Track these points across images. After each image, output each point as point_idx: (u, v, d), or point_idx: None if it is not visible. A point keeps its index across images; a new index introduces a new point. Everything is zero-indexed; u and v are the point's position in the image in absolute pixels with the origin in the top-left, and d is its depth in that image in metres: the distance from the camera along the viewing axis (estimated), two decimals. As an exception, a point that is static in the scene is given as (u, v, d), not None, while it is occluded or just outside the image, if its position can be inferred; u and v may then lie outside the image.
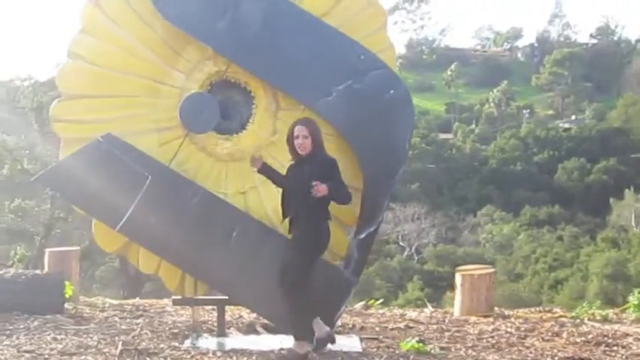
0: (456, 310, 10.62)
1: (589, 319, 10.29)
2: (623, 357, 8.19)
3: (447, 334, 9.01)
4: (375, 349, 8.09)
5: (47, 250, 10.76)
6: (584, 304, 11.03)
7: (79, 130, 8.14)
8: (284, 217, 7.78)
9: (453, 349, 8.22)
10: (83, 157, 7.96)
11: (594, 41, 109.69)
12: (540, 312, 11.04)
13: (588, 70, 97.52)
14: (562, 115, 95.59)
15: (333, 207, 8.11)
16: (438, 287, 49.13)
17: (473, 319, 9.99)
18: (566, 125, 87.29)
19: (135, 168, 7.96)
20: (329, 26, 8.09)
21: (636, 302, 10.63)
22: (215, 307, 8.67)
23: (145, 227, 8.00)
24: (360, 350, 7.98)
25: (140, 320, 9.09)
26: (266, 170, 7.87)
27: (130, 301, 10.61)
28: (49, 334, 8.05)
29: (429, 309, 11.21)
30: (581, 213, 67.39)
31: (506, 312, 10.72)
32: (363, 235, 8.14)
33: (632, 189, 62.78)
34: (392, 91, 8.17)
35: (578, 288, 47.21)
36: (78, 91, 8.18)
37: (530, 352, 8.19)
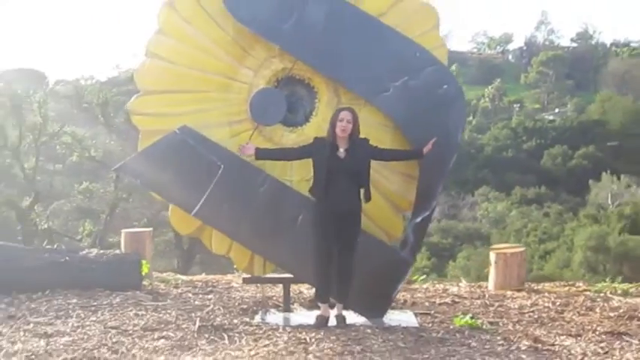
0: (490, 285, 9.96)
1: (611, 293, 9.60)
2: (657, 331, 7.55)
3: (491, 308, 8.35)
4: (430, 325, 7.45)
5: (123, 231, 10.14)
6: (606, 280, 10.33)
7: (156, 122, 7.55)
8: (319, 189, 7.11)
9: (500, 324, 7.57)
10: (161, 147, 7.39)
11: (575, 45, 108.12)
12: (565, 286, 10.36)
13: (569, 69, 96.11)
14: (547, 108, 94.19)
15: (391, 193, 7.61)
16: (442, 257, 48.88)
17: (509, 293, 9.32)
18: (551, 117, 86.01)
19: (209, 157, 7.37)
20: (387, 26, 7.45)
21: (656, 279, 9.95)
22: (281, 284, 8.05)
23: (218, 212, 7.43)
24: (417, 325, 7.35)
25: (211, 296, 8.49)
26: (264, 153, 7.29)
27: (199, 277, 9.97)
28: (130, 310, 7.46)
29: (464, 283, 10.55)
30: (564, 193, 66.45)
31: (535, 286, 10.06)
32: (418, 220, 7.50)
33: (608, 172, 61.90)
34: (445, 86, 7.52)
35: (564, 258, 46.52)
36: (155, 87, 7.59)
37: (572, 327, 7.53)
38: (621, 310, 8.28)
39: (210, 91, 7.58)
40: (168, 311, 7.50)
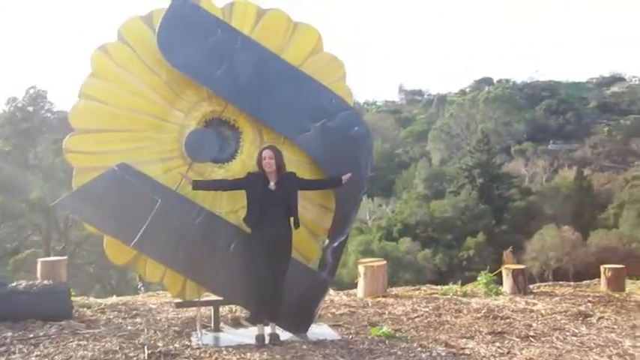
0: (360, 293, 9.02)
1: (454, 295, 8.98)
2: (520, 326, 6.95)
3: (384, 316, 7.39)
4: (350, 336, 6.35)
5: (39, 260, 8.23)
6: (450, 284, 9.69)
7: (90, 160, 5.95)
8: (253, 218, 5.92)
9: (403, 331, 6.63)
10: (100, 183, 5.83)
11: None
12: (414, 289, 9.64)
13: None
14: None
15: (308, 221, 6.47)
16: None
17: (383, 300, 8.41)
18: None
19: (146, 192, 5.90)
20: (306, 75, 6.35)
21: (484, 281, 9.43)
22: (210, 306, 6.62)
23: (155, 243, 5.94)
24: (340, 338, 6.23)
25: (138, 319, 6.84)
26: (200, 184, 6.00)
27: (116, 300, 8.10)
28: (71, 341, 5.75)
29: (332, 292, 9.46)
30: (336, 211, 67.49)
31: (393, 292, 9.24)
32: (336, 244, 6.44)
33: (365, 195, 63.76)
34: (356, 128, 6.51)
35: (342, 259, 46.87)
36: (89, 127, 5.99)
37: (461, 329, 6.76)
38: (483, 311, 7.65)
39: (143, 131, 6.09)
40: (108, 339, 5.88)
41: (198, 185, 5.97)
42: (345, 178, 6.18)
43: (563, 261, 40.80)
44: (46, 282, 6.86)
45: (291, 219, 6.02)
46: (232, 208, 6.28)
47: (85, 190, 5.84)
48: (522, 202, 52.72)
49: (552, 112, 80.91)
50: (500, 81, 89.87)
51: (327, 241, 6.49)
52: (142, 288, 9.81)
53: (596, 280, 10.90)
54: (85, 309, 7.17)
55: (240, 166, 6.34)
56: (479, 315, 7.44)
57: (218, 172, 6.29)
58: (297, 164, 6.39)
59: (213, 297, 6.49)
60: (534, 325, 7.04)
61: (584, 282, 11.05)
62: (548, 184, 57.96)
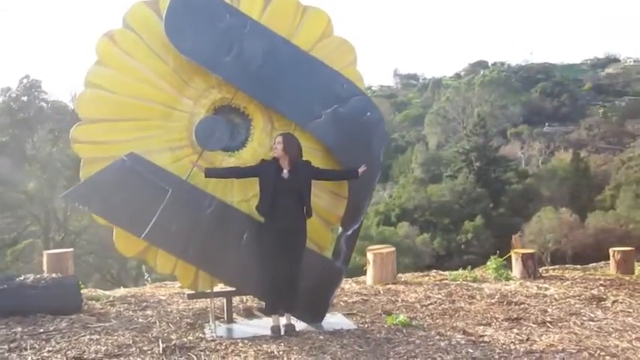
0: (369, 280, 8.89)
1: (464, 280, 8.86)
2: (535, 311, 6.85)
3: (397, 304, 7.25)
4: (366, 325, 6.24)
5: (45, 252, 8.09)
6: (459, 270, 9.59)
7: (98, 150, 5.80)
8: (265, 206, 5.80)
9: (419, 319, 6.51)
10: (109, 174, 5.68)
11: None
12: (423, 275, 9.54)
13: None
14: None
15: (321, 209, 6.33)
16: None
17: (393, 287, 8.28)
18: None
19: (156, 183, 5.75)
20: (317, 59, 6.18)
21: (494, 266, 9.32)
22: (223, 297, 6.48)
23: (166, 234, 5.79)
24: (356, 327, 6.12)
25: (149, 312, 6.67)
26: (213, 172, 5.85)
27: (124, 292, 7.94)
28: (83, 335, 5.61)
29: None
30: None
31: (402, 279, 9.12)
32: (349, 232, 6.32)
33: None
34: (369, 113, 6.35)
35: (341, 244, 46.71)
36: (97, 116, 5.82)
37: (476, 316, 6.64)
38: (496, 297, 7.55)
39: (151, 119, 5.93)
40: (120, 333, 5.74)
41: (210, 173, 5.83)
42: (361, 170, 6.04)
43: (561, 243, 40.83)
44: (54, 275, 6.71)
45: (304, 208, 5.90)
46: (244, 196, 6.15)
47: (94, 181, 5.70)
48: (519, 184, 52.70)
49: (547, 95, 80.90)
50: (495, 64, 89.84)
51: (340, 230, 6.37)
52: (149, 278, 9.65)
53: (602, 263, 10.85)
54: (93, 302, 7.02)
55: (251, 153, 6.20)
56: (493, 301, 7.34)
57: (229, 161, 6.14)
58: (309, 151, 6.22)
59: (226, 287, 6.37)
60: (549, 310, 6.94)
61: (591, 265, 10.98)
62: (545, 166, 57.98)
